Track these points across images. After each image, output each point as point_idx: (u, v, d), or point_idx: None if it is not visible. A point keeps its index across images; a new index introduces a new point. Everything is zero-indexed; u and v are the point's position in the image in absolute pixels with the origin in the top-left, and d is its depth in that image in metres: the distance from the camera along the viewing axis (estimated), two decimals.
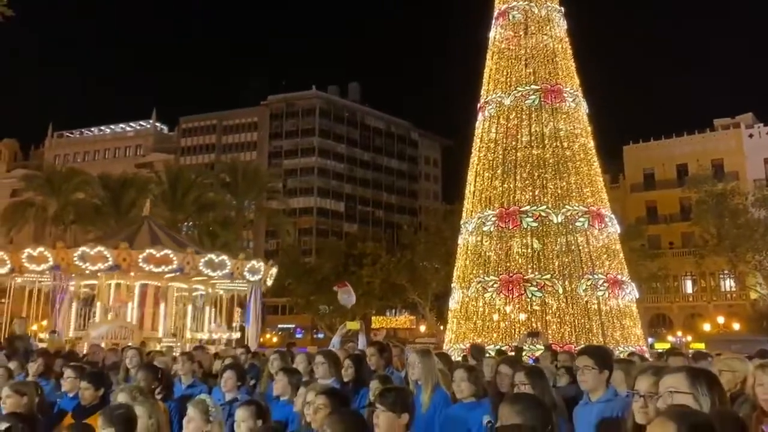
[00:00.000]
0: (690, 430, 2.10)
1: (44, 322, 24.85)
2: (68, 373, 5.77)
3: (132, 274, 20.01)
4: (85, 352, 11.31)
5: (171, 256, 19.63)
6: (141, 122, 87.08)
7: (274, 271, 23.88)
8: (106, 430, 3.81)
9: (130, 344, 11.85)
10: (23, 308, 21.73)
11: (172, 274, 20.25)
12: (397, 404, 3.48)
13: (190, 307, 23.07)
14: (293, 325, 61.62)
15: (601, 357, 3.88)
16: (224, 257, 21.08)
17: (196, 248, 21.84)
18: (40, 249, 19.94)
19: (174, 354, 9.83)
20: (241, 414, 4.18)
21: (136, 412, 4.07)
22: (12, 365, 7.35)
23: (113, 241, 20.43)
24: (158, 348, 15.31)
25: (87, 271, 19.72)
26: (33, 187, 49.53)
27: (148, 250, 19.47)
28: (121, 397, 4.52)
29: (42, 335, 19.68)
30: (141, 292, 21.42)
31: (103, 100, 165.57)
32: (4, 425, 4.14)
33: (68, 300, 20.91)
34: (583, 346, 10.16)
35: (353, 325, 10.76)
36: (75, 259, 19.12)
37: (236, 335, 22.61)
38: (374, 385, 4.89)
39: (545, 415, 3.27)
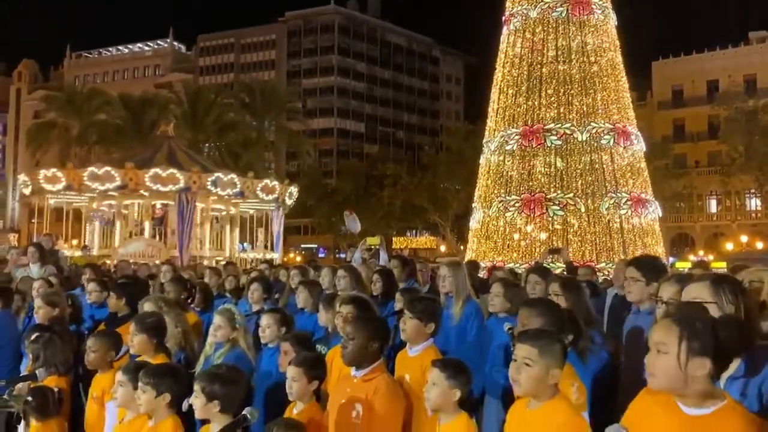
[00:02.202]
0: (692, 334, 2.05)
1: (74, 241, 25.59)
2: (92, 286, 6.06)
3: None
4: (113, 268, 11.64)
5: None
6: (158, 41, 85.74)
7: (294, 190, 24.40)
8: (138, 336, 3.94)
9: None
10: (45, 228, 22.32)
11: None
12: (425, 313, 3.61)
13: (237, 230, 24.90)
14: (316, 245, 62.56)
15: (650, 269, 3.83)
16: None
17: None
18: (171, 170, 20.20)
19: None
20: (266, 320, 4.27)
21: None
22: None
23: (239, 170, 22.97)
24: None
25: (215, 196, 21.44)
26: (55, 107, 49.60)
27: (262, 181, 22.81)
28: (147, 307, 4.64)
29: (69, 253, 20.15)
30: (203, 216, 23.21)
31: (119, 19, 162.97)
32: (33, 335, 4.30)
33: (194, 221, 21.14)
34: (635, 256, 10.11)
35: (373, 240, 10.86)
36: (208, 183, 20.42)
37: (276, 254, 23.49)
38: (399, 297, 4.98)
39: (563, 320, 3.34)
